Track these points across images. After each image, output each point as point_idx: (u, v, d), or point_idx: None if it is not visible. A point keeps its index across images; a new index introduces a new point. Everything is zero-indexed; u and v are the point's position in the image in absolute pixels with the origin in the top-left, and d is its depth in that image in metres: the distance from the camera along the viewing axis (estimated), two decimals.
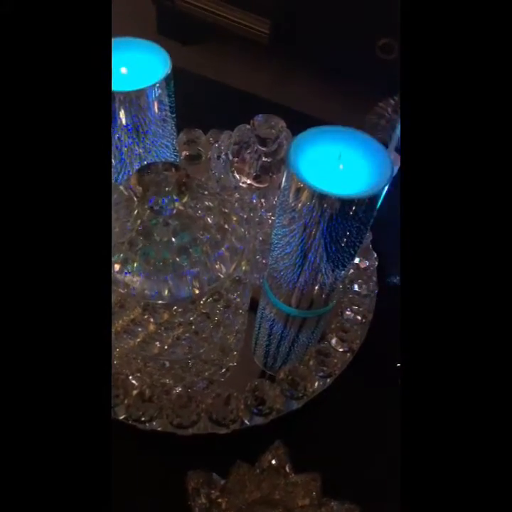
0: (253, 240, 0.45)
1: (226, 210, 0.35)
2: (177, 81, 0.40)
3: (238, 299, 0.36)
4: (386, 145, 0.62)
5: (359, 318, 0.45)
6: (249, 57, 1.19)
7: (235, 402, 0.38)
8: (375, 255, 0.50)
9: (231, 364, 0.45)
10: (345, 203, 0.31)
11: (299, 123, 0.47)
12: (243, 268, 0.34)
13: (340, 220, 0.32)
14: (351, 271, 0.49)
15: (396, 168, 0.63)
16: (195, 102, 0.62)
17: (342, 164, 0.32)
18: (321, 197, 0.31)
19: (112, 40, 0.40)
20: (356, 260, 0.50)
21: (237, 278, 0.34)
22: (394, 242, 0.58)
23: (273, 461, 0.38)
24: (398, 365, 0.49)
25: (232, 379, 0.45)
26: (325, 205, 0.31)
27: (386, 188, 0.32)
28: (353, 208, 0.31)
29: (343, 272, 0.40)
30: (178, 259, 0.32)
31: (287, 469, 0.38)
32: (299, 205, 0.33)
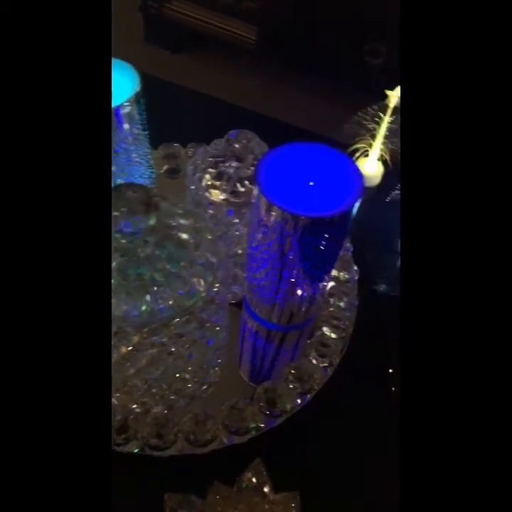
0: (227, 257, 0.45)
1: (200, 227, 0.35)
2: (162, 91, 0.40)
3: (213, 318, 0.36)
4: (367, 155, 0.61)
5: (339, 331, 0.45)
6: (236, 64, 1.19)
7: (212, 422, 0.38)
8: (356, 268, 0.50)
9: (213, 380, 0.45)
10: (315, 221, 0.30)
11: (282, 133, 0.47)
12: (215, 289, 0.34)
13: (311, 237, 0.32)
14: (332, 284, 0.48)
15: (378, 179, 0.62)
16: (178, 114, 0.62)
17: (312, 181, 0.32)
18: (291, 216, 0.30)
19: None
20: (336, 273, 0.49)
21: (209, 297, 0.34)
22: (375, 253, 0.58)
23: (253, 479, 0.37)
24: (390, 370, 0.49)
25: (217, 395, 0.45)
26: (295, 224, 0.31)
27: (357, 204, 0.32)
28: (324, 226, 0.31)
29: (320, 285, 0.39)
30: (155, 274, 0.32)
31: (267, 488, 0.37)
32: (271, 222, 0.33)
